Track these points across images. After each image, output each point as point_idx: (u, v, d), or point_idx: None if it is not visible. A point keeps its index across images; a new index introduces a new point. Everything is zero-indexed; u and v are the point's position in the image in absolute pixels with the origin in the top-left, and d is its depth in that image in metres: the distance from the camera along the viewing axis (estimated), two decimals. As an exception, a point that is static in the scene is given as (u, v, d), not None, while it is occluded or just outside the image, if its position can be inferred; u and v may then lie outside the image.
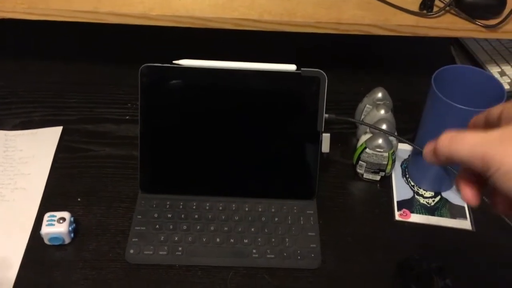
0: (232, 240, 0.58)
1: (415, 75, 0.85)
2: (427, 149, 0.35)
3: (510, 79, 0.79)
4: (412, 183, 0.66)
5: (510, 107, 0.35)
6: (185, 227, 0.59)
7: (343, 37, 0.72)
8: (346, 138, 0.73)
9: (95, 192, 0.63)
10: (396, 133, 0.66)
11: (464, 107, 0.54)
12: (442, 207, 0.64)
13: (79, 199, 0.62)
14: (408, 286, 0.53)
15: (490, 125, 0.35)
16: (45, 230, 0.55)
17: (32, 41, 0.87)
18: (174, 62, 0.59)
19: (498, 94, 0.57)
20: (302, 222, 0.60)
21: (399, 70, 0.86)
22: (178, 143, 0.62)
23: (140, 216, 0.60)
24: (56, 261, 0.56)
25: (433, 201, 0.64)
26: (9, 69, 0.81)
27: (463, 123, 0.56)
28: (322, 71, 0.59)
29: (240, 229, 0.59)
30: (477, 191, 0.34)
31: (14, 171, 0.65)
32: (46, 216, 0.56)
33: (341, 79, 0.82)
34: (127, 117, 0.74)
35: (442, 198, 0.65)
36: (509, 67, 0.81)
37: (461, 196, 0.35)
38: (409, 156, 0.69)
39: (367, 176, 0.66)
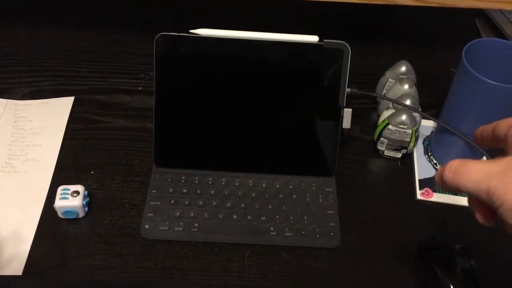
0: (249, 217, 0.57)
1: (438, 48, 0.81)
2: (437, 175, 0.34)
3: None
4: (435, 161, 0.64)
5: None
6: (201, 203, 0.58)
7: (365, 7, 0.68)
8: (366, 114, 0.70)
9: (109, 165, 0.62)
10: (420, 109, 0.63)
11: (497, 83, 0.52)
12: (464, 187, 0.61)
13: (92, 172, 0.61)
14: (431, 267, 0.52)
15: (496, 139, 0.35)
16: (59, 203, 0.54)
17: (41, 7, 0.84)
18: (191, 31, 0.57)
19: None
20: (321, 200, 0.59)
21: (421, 42, 0.82)
22: (193, 116, 0.60)
23: (154, 191, 0.58)
24: (70, 235, 0.55)
25: (456, 180, 0.62)
26: (17, 36, 0.78)
27: (493, 100, 0.54)
28: (345, 43, 0.57)
29: (257, 206, 0.58)
30: (491, 213, 0.33)
31: (25, 142, 0.63)
32: (60, 189, 0.55)
33: (360, 51, 0.78)
34: (140, 88, 0.72)
35: (465, 177, 0.62)
36: (537, 41, 0.78)
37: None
38: (431, 132, 0.67)
39: (388, 153, 0.64)
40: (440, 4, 0.65)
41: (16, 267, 0.52)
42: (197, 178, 0.60)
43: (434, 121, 0.61)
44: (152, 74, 0.67)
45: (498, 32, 0.81)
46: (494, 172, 0.30)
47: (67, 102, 0.68)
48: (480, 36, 0.82)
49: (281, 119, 0.60)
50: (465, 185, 0.32)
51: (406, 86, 0.64)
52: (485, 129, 0.37)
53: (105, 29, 0.80)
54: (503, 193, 0.30)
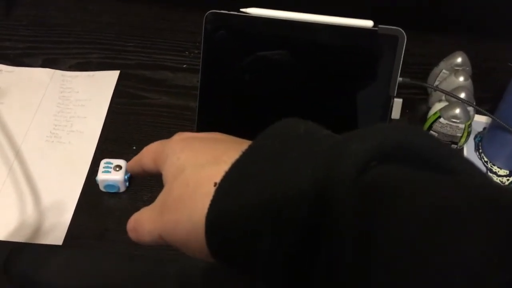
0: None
1: (496, 41, 0.77)
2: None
3: None
4: (486, 159, 0.61)
5: (159, 153, 0.32)
6: (240, 185, 0.57)
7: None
8: (415, 105, 0.68)
9: (151, 142, 0.59)
10: (474, 103, 0.60)
11: None
12: (516, 188, 0.59)
13: (134, 147, 0.61)
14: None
15: (150, 173, 0.33)
16: (101, 176, 0.54)
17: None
18: (241, 10, 0.55)
19: None
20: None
21: (478, 34, 0.78)
22: (238, 97, 0.59)
23: (195, 170, 0.58)
24: (111, 209, 0.55)
25: (508, 180, 0.59)
26: (67, 7, 0.79)
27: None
28: (401, 30, 0.54)
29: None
30: None
31: (70, 113, 0.64)
32: (103, 163, 0.55)
33: (412, 39, 0.75)
34: (185, 66, 0.71)
35: (518, 177, 0.60)
36: None
37: None
38: (484, 129, 0.64)
39: (436, 147, 0.61)
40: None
41: (57, 237, 0.53)
42: (238, 160, 0.59)
43: (490, 117, 0.58)
44: (197, 52, 0.66)
45: (562, 26, 0.77)
46: (156, 217, 0.28)
47: (112, 76, 0.68)
48: (542, 30, 0.78)
49: (328, 106, 0.58)
50: (146, 241, 0.29)
51: (461, 79, 0.61)
52: (133, 164, 0.34)
53: (153, 5, 0.79)
54: (167, 237, 0.28)
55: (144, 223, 0.29)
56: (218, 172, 0.25)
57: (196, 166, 0.28)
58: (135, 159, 0.34)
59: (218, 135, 0.32)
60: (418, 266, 0.18)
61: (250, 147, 0.27)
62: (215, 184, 0.25)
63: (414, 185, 0.21)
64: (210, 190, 0.25)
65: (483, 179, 0.22)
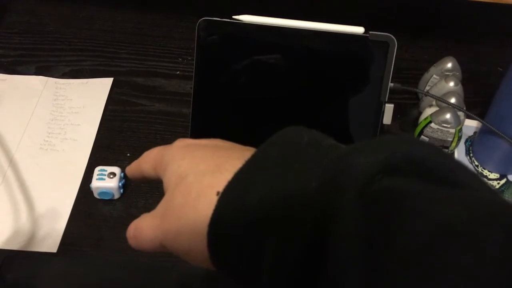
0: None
1: (485, 46, 0.78)
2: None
3: None
4: (476, 163, 0.62)
5: (159, 159, 0.31)
6: (234, 191, 0.57)
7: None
8: (406, 110, 0.68)
9: (145, 148, 0.59)
10: (464, 108, 0.61)
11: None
12: (506, 191, 0.59)
13: (128, 154, 0.61)
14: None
15: (148, 178, 0.33)
16: (96, 184, 0.55)
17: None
18: (234, 17, 0.56)
19: None
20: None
21: (467, 39, 0.79)
22: (232, 104, 0.59)
23: (189, 177, 0.58)
24: (105, 216, 0.55)
25: (498, 183, 0.60)
26: (60, 14, 0.79)
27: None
28: (392, 36, 0.55)
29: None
30: None
31: (64, 121, 0.64)
32: (97, 170, 0.56)
33: (402, 45, 0.77)
34: (178, 72, 0.72)
35: (508, 181, 0.60)
36: None
37: None
38: (474, 133, 0.65)
39: (428, 151, 0.62)
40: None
41: (51, 244, 0.53)
42: (232, 166, 0.59)
43: (480, 121, 0.59)
44: (190, 58, 0.66)
45: (550, 31, 0.78)
46: (157, 225, 0.28)
47: (106, 83, 0.68)
48: (530, 34, 0.79)
49: (320, 112, 0.59)
50: (146, 248, 0.29)
51: (451, 84, 0.62)
52: (133, 169, 0.34)
53: (146, 11, 0.80)
54: (168, 245, 0.28)
55: (145, 230, 0.29)
56: (220, 181, 0.26)
57: (198, 174, 0.27)
58: (134, 164, 0.34)
59: (219, 142, 0.31)
60: (425, 280, 0.18)
61: (253, 156, 0.26)
62: (218, 193, 0.25)
63: (420, 199, 0.21)
64: (213, 199, 0.25)
65: (489, 193, 0.22)
